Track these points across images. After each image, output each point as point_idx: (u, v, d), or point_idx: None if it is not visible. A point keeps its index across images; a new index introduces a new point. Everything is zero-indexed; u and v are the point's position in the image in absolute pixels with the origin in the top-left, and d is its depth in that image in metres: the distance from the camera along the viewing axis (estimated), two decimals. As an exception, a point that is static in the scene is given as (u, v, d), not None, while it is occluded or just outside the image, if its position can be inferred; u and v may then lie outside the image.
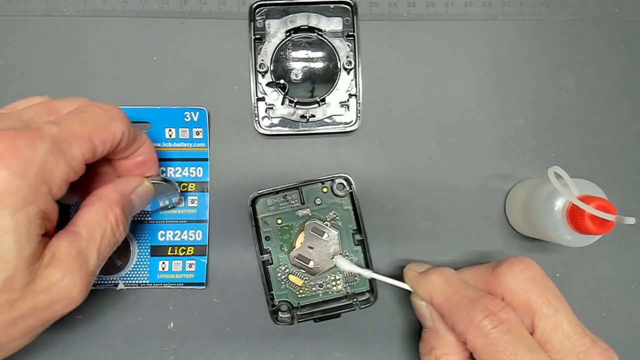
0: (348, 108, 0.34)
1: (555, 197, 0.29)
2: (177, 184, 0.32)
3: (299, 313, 0.33)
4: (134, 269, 0.34)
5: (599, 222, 0.27)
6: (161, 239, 0.34)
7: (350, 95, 0.34)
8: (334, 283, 0.34)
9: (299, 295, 0.34)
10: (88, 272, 0.24)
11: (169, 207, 0.33)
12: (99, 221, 0.25)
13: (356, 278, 0.34)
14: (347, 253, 0.34)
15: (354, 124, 0.34)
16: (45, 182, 0.21)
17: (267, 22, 0.34)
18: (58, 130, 0.22)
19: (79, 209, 0.25)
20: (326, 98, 0.34)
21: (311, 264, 0.33)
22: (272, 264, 0.33)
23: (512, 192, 0.35)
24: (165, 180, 0.30)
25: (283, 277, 0.33)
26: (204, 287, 0.34)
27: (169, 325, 0.34)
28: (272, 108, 0.34)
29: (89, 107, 0.25)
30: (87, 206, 0.25)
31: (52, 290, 0.22)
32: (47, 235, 0.23)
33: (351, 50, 0.34)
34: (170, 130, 0.34)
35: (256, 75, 0.34)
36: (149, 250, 0.34)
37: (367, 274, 0.31)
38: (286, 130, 0.34)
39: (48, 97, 0.27)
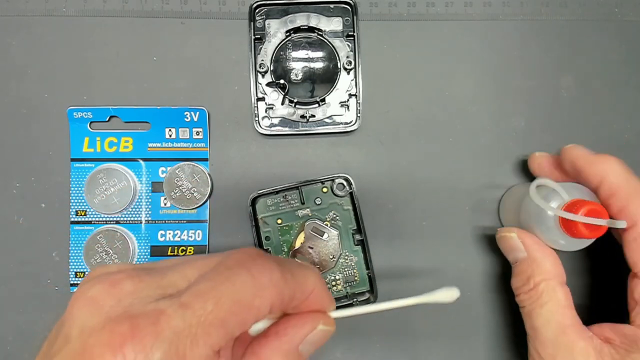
0: (348, 108, 0.34)
1: (547, 202, 0.29)
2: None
3: (299, 313, 0.33)
4: (134, 269, 0.34)
5: (592, 227, 0.27)
6: (161, 239, 0.34)
7: (350, 95, 0.34)
8: (333, 283, 0.34)
9: (299, 295, 0.34)
10: None
11: None
12: None
13: (356, 278, 0.34)
14: (347, 254, 0.34)
15: (354, 124, 0.34)
16: None
17: (267, 22, 0.34)
18: (182, 320, 0.17)
19: None
20: (326, 98, 0.34)
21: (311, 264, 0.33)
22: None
23: (505, 197, 0.35)
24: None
25: (283, 277, 0.33)
26: (204, 287, 0.34)
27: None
28: (272, 108, 0.34)
29: (236, 269, 0.19)
30: None
31: None
32: None
33: (351, 50, 0.34)
34: (170, 130, 0.34)
35: (256, 75, 0.34)
36: (149, 250, 0.34)
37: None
38: (286, 130, 0.34)
39: None
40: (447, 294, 0.25)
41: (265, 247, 0.33)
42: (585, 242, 0.29)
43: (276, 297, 0.19)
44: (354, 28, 0.34)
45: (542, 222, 0.29)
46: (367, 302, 0.33)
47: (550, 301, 0.27)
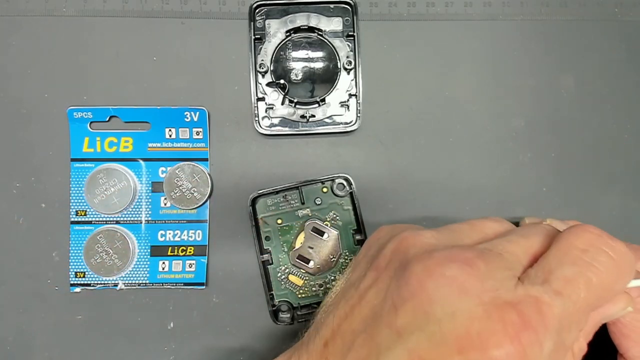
0: (348, 108, 0.34)
1: None
2: None
3: (299, 313, 0.33)
4: (134, 269, 0.34)
5: None
6: (161, 239, 0.34)
7: (350, 95, 0.34)
8: (333, 283, 0.34)
9: (299, 295, 0.34)
10: None
11: None
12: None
13: (356, 278, 0.34)
14: (347, 253, 0.34)
15: (354, 124, 0.34)
16: None
17: (267, 22, 0.34)
18: (562, 309, 0.17)
19: None
20: (326, 98, 0.34)
21: (311, 264, 0.33)
22: (272, 264, 0.33)
23: None
24: None
25: (283, 277, 0.33)
26: (204, 287, 0.34)
27: (169, 325, 0.34)
28: (272, 108, 0.34)
29: (594, 252, 0.18)
30: None
31: None
32: None
33: (351, 50, 0.34)
34: (170, 130, 0.34)
35: (256, 75, 0.34)
36: (149, 250, 0.34)
37: None
38: (286, 130, 0.34)
39: (508, 224, 0.22)
40: None
41: (265, 247, 0.33)
42: None
43: (631, 277, 0.19)
44: (354, 28, 0.34)
45: None
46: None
47: None
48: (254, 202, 0.33)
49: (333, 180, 0.34)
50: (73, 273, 0.34)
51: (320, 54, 0.34)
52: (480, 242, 0.20)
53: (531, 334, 0.16)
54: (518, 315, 0.16)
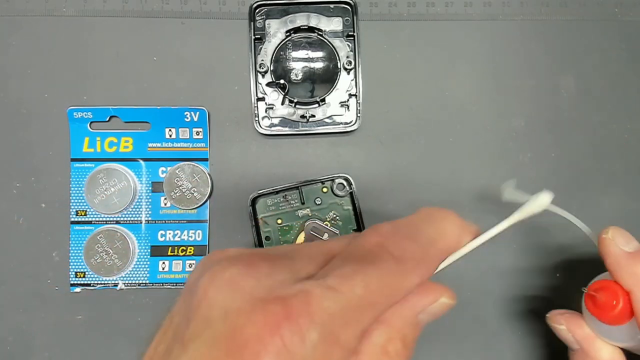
0: (348, 108, 0.34)
1: None
2: None
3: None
4: (134, 269, 0.34)
5: (601, 306, 0.25)
6: (161, 239, 0.34)
7: (350, 95, 0.34)
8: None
9: (299, 295, 0.34)
10: None
11: None
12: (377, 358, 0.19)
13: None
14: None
15: (354, 124, 0.34)
16: None
17: (267, 22, 0.34)
18: (334, 302, 0.17)
19: None
20: (326, 98, 0.34)
21: (311, 264, 0.33)
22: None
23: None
24: None
25: (283, 277, 0.33)
26: (204, 287, 0.34)
27: (169, 325, 0.34)
28: (272, 108, 0.34)
29: (378, 250, 0.19)
30: (365, 336, 0.18)
31: None
32: None
33: (351, 50, 0.34)
34: (170, 130, 0.34)
35: (256, 75, 0.34)
36: (149, 250, 0.34)
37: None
38: (286, 130, 0.34)
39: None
40: (538, 203, 0.23)
41: (265, 247, 0.33)
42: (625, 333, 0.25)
43: (420, 279, 0.19)
44: (354, 28, 0.34)
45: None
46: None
47: None
48: (254, 202, 0.33)
49: (333, 180, 0.34)
50: (73, 273, 0.34)
51: (320, 54, 0.34)
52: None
53: (292, 324, 0.16)
54: (282, 307, 0.16)
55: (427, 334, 0.35)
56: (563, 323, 0.27)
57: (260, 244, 0.33)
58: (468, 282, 0.35)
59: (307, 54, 0.34)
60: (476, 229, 0.23)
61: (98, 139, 0.34)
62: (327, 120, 0.34)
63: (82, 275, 0.34)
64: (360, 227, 0.33)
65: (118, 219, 0.34)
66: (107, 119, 0.34)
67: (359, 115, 0.34)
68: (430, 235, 0.20)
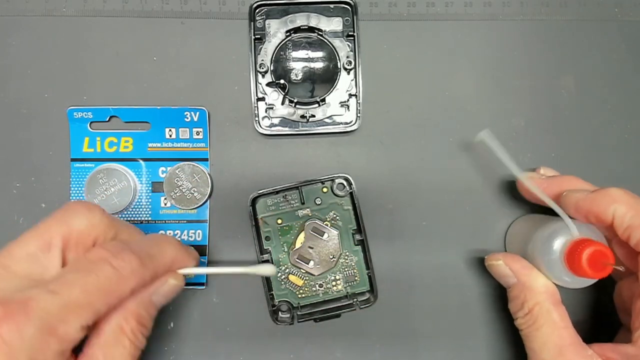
0: (348, 108, 0.34)
1: (554, 238, 0.29)
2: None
3: (299, 313, 0.33)
4: (134, 269, 0.34)
5: (597, 267, 0.26)
6: (161, 239, 0.34)
7: (350, 95, 0.34)
8: (334, 283, 0.34)
9: (299, 295, 0.34)
10: None
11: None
12: (116, 338, 0.23)
13: (356, 278, 0.34)
14: (347, 254, 0.34)
15: (354, 124, 0.34)
16: None
17: (267, 22, 0.34)
18: (51, 303, 0.20)
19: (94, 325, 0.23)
20: (326, 98, 0.34)
21: (311, 264, 0.33)
22: (272, 264, 0.33)
23: (510, 229, 0.35)
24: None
25: (283, 277, 0.33)
26: (204, 287, 0.34)
27: (169, 325, 0.34)
28: (272, 108, 0.34)
29: (99, 264, 0.22)
30: (102, 323, 0.23)
31: None
32: None
33: (351, 50, 0.34)
34: (170, 130, 0.34)
35: (256, 75, 0.34)
36: (149, 250, 0.34)
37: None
38: (286, 130, 0.34)
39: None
40: (267, 269, 0.28)
41: (265, 247, 0.33)
42: (590, 281, 0.29)
43: (138, 282, 0.23)
44: (354, 28, 0.34)
45: (547, 257, 0.29)
46: (367, 302, 0.33)
47: (545, 324, 0.27)
48: (254, 202, 0.33)
49: (333, 180, 0.33)
50: (73, 273, 0.34)
51: (320, 54, 0.34)
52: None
53: (10, 322, 0.19)
54: (2, 310, 0.19)
55: (429, 334, 0.35)
56: (500, 259, 0.30)
57: (260, 244, 0.33)
58: (468, 282, 0.35)
59: (307, 54, 0.34)
60: (196, 255, 0.29)
61: (98, 139, 0.34)
62: (327, 120, 0.34)
63: (82, 275, 0.34)
64: (360, 227, 0.33)
65: (118, 219, 0.34)
66: (107, 119, 0.34)
67: (359, 115, 0.34)
68: (151, 252, 0.25)
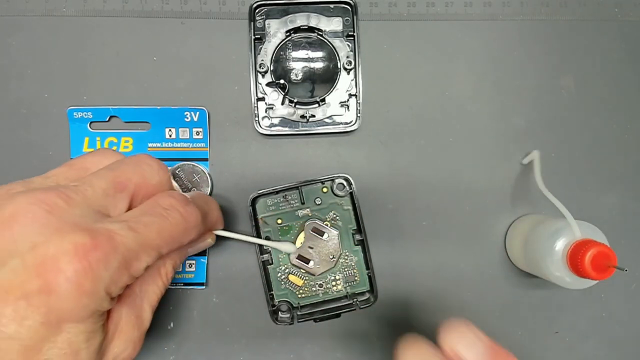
0: (348, 108, 0.34)
1: (556, 238, 0.29)
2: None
3: (299, 313, 0.33)
4: (134, 269, 0.34)
5: (600, 268, 0.26)
6: (161, 239, 0.34)
7: (350, 95, 0.34)
8: (334, 283, 0.34)
9: (299, 296, 0.34)
10: (144, 330, 0.25)
11: None
12: (153, 278, 0.25)
13: (356, 278, 0.34)
14: (347, 254, 0.34)
15: (354, 124, 0.34)
16: (109, 293, 0.21)
17: (267, 22, 0.34)
18: (132, 240, 0.21)
19: None
20: (326, 98, 0.34)
21: (311, 264, 0.33)
22: (272, 264, 0.33)
23: (511, 229, 0.35)
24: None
25: (283, 277, 0.33)
26: (204, 287, 0.34)
27: (169, 325, 0.34)
28: (272, 108, 0.34)
29: (171, 211, 0.24)
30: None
31: None
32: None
33: (351, 50, 0.34)
34: (170, 130, 0.34)
35: (256, 75, 0.34)
36: (149, 250, 0.34)
37: None
38: (286, 130, 0.34)
39: (115, 155, 0.26)
40: (287, 247, 0.32)
41: (265, 247, 0.33)
42: (591, 282, 0.29)
43: (198, 234, 0.25)
44: (354, 28, 0.34)
45: (549, 258, 0.29)
46: (367, 302, 0.33)
47: None
48: (254, 202, 0.33)
49: (333, 180, 0.33)
50: (73, 273, 0.34)
51: (320, 54, 0.34)
52: (77, 180, 0.23)
53: (98, 253, 0.20)
54: (90, 239, 0.20)
55: (429, 334, 0.35)
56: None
57: (261, 245, 0.33)
58: (468, 282, 0.35)
59: (307, 54, 0.34)
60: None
61: (98, 139, 0.34)
62: (327, 120, 0.34)
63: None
64: (360, 227, 0.33)
65: (118, 219, 0.34)
66: (107, 119, 0.34)
67: (359, 115, 0.34)
68: (206, 209, 0.27)
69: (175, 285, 0.34)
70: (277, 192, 0.33)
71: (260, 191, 0.33)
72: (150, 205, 0.24)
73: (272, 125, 0.34)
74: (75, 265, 0.19)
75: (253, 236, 0.32)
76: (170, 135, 0.34)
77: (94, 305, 0.20)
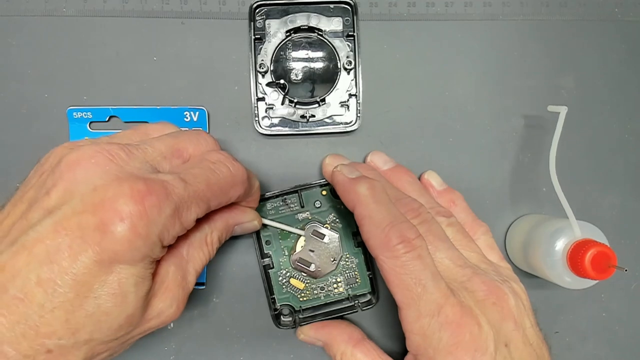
0: (348, 108, 0.34)
1: (556, 238, 0.29)
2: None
3: (301, 316, 0.33)
4: (134, 270, 0.34)
5: (600, 268, 0.27)
6: (161, 240, 0.34)
7: (350, 95, 0.34)
8: (335, 285, 0.34)
9: (301, 299, 0.33)
10: (188, 292, 0.25)
11: None
12: (199, 244, 0.26)
13: (357, 280, 0.34)
14: (348, 256, 0.34)
15: (354, 124, 0.34)
16: (161, 239, 0.22)
17: (267, 22, 0.34)
18: (183, 190, 0.22)
19: None
20: (326, 98, 0.34)
21: (312, 267, 0.33)
22: (273, 268, 0.33)
23: (512, 228, 0.35)
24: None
25: (284, 280, 0.33)
26: (204, 287, 0.34)
27: (169, 325, 0.34)
28: (272, 108, 0.34)
29: (219, 164, 0.25)
30: (191, 230, 0.25)
31: (161, 317, 0.24)
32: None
33: (351, 50, 0.34)
34: (170, 130, 0.34)
35: (256, 75, 0.34)
36: (149, 251, 0.34)
37: None
38: (286, 130, 0.34)
39: (175, 127, 0.28)
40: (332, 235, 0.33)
41: (265, 251, 0.33)
42: (590, 282, 0.29)
43: (243, 191, 0.26)
44: (354, 28, 0.34)
45: (548, 258, 0.29)
46: (368, 303, 0.33)
47: None
48: (254, 202, 0.33)
49: (333, 181, 0.33)
50: (73, 273, 0.33)
51: (320, 54, 0.34)
52: (140, 141, 0.25)
53: (153, 198, 0.21)
54: (145, 185, 0.21)
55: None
56: (302, 334, 0.33)
57: (261, 248, 0.33)
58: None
59: (307, 54, 0.34)
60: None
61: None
62: (327, 120, 0.34)
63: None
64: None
65: (118, 219, 0.34)
66: (107, 119, 0.34)
67: (359, 115, 0.34)
68: (250, 175, 0.27)
69: (176, 286, 0.34)
70: (277, 196, 0.33)
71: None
72: (199, 159, 0.25)
73: (272, 125, 0.34)
74: (131, 208, 0.20)
75: (296, 227, 0.33)
76: (170, 136, 0.34)
77: (145, 249, 0.21)
